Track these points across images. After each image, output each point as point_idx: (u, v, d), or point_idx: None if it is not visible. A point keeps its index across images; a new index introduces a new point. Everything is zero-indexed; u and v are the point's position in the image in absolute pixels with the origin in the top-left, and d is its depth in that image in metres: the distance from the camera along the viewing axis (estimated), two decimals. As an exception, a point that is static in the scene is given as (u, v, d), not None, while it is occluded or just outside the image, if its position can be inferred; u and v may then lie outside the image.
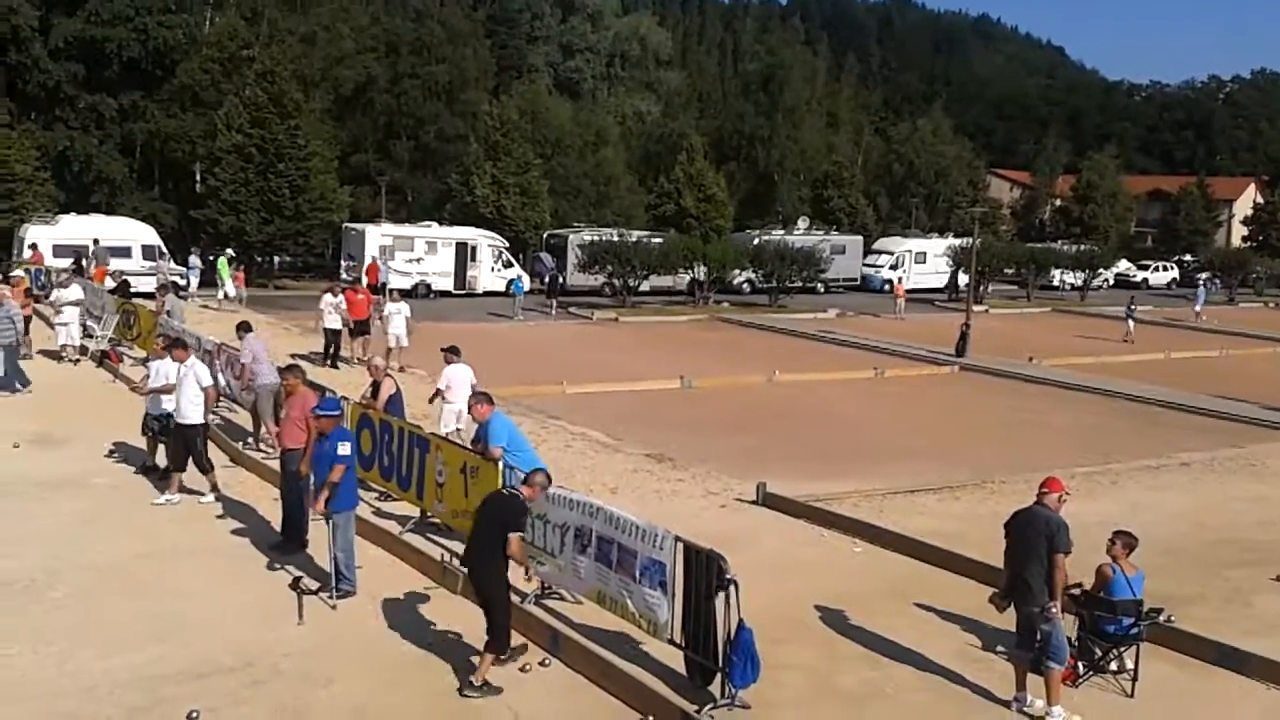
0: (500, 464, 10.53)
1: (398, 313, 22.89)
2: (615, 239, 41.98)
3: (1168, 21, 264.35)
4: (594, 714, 8.24)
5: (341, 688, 8.41)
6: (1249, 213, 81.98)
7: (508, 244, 44.55)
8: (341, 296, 23.16)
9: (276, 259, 45.85)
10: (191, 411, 12.78)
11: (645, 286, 42.45)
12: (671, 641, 8.48)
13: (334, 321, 22.86)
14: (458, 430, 14.34)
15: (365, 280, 39.76)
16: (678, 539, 8.40)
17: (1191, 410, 24.17)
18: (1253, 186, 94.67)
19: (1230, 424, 22.76)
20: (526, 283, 40.37)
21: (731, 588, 7.92)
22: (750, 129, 67.74)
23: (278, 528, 11.61)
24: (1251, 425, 22.51)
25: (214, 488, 12.98)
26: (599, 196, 54.49)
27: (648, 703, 8.16)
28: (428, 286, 40.41)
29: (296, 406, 11.47)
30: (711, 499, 14.45)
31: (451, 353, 15.44)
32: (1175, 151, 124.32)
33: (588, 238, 42.88)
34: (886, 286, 50.75)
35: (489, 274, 42.72)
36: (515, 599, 9.99)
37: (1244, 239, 79.01)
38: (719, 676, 8.19)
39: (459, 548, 11.02)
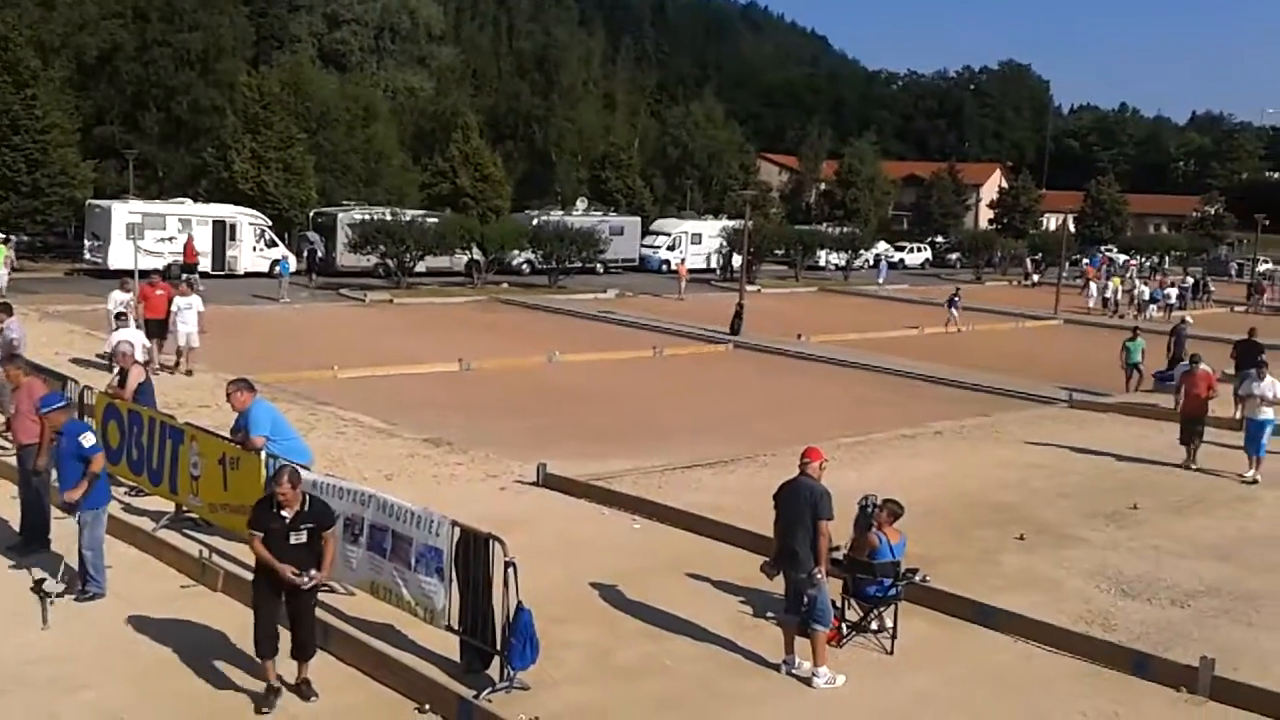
0: (263, 454, 10.04)
1: (188, 308, 20.41)
2: (388, 218, 40.82)
3: (923, 13, 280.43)
4: (369, 707, 7.97)
5: (92, 695, 7.85)
6: (994, 197, 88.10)
7: (271, 222, 42.63)
8: (133, 294, 20.61)
9: (12, 239, 42.14)
10: None
11: (421, 267, 41.56)
12: (449, 628, 8.33)
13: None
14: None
15: (183, 260, 37.28)
16: (454, 524, 8.25)
17: (943, 382, 25.73)
18: (998, 172, 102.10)
19: (977, 394, 24.35)
20: (293, 263, 38.82)
21: (510, 570, 7.83)
22: (526, 108, 67.31)
23: (16, 527, 10.69)
24: (995, 395, 24.16)
25: None
26: (370, 174, 52.79)
27: (424, 692, 7.98)
28: (182, 267, 38.08)
29: (24, 399, 10.64)
30: (491, 482, 14.29)
31: (120, 320, 17.85)
32: (929, 138, 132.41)
33: (358, 216, 41.47)
34: (665, 267, 51.86)
35: (251, 254, 40.76)
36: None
37: (990, 222, 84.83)
38: (497, 660, 8.10)
39: (219, 543, 10.53)
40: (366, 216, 41.12)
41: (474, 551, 8.14)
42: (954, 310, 36.89)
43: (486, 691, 7.94)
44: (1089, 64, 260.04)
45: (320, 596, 9.50)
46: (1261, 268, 65.41)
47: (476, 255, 42.77)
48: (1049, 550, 12.46)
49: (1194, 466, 16.82)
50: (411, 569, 8.43)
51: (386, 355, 24.92)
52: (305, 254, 40.58)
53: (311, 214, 45.18)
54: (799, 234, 56.34)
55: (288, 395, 18.28)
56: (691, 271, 48.21)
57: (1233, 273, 72.03)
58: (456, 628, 8.32)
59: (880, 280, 51.89)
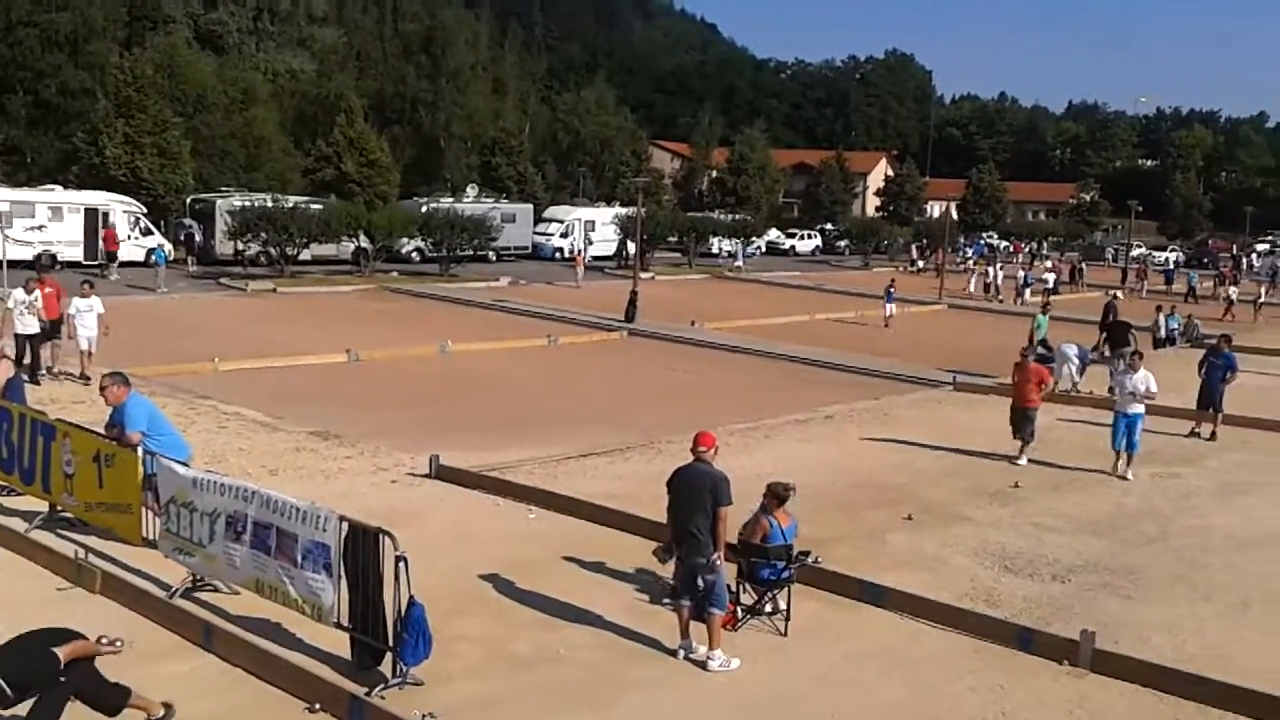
0: (140, 450, 9.68)
1: (89, 309, 19.00)
2: (269, 205, 39.72)
3: (810, 1, 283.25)
4: (256, 708, 7.74)
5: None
6: (881, 184, 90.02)
7: (145, 210, 41.14)
8: (37, 293, 18.82)
9: None
10: None
11: (306, 255, 40.53)
12: (338, 625, 8.13)
13: (28, 325, 18.48)
14: None
15: (103, 248, 36.01)
16: (343, 518, 8.05)
17: (835, 367, 26.17)
18: (884, 160, 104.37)
19: (868, 378, 24.83)
20: (169, 251, 37.59)
21: (401, 564, 7.68)
22: (413, 92, 66.22)
23: None
24: (884, 379, 24.67)
25: None
26: (249, 159, 51.38)
27: (314, 691, 7.77)
28: (53, 257, 36.43)
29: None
30: (382, 475, 14.01)
31: None
32: (817, 127, 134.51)
33: (238, 203, 40.27)
34: (558, 254, 51.67)
35: (125, 243, 39.26)
36: (161, 592, 9.30)
37: (877, 209, 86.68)
38: (389, 656, 7.95)
39: (96, 543, 10.14)
40: (247, 203, 39.97)
41: (363, 546, 7.95)
42: (890, 304, 35.42)
43: (379, 688, 7.78)
44: (969, 54, 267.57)
45: (203, 596, 9.26)
46: (1135, 252, 68.15)
47: (364, 243, 41.92)
48: (935, 529, 12.76)
49: (1019, 462, 15.99)
50: (298, 566, 8.20)
51: (270, 346, 24.26)
52: (183, 238, 39.35)
53: (189, 200, 43.79)
54: (692, 221, 56.68)
55: (165, 389, 17.70)
56: (569, 259, 48.05)
57: (1108, 258, 74.91)
58: (346, 624, 8.12)
59: (740, 264, 53.21)
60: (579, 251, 47.82)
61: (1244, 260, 67.98)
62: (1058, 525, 13.15)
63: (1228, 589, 11.17)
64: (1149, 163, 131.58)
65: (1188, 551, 12.42)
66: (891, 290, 36.06)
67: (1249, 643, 9.82)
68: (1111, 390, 16.57)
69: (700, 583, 8.69)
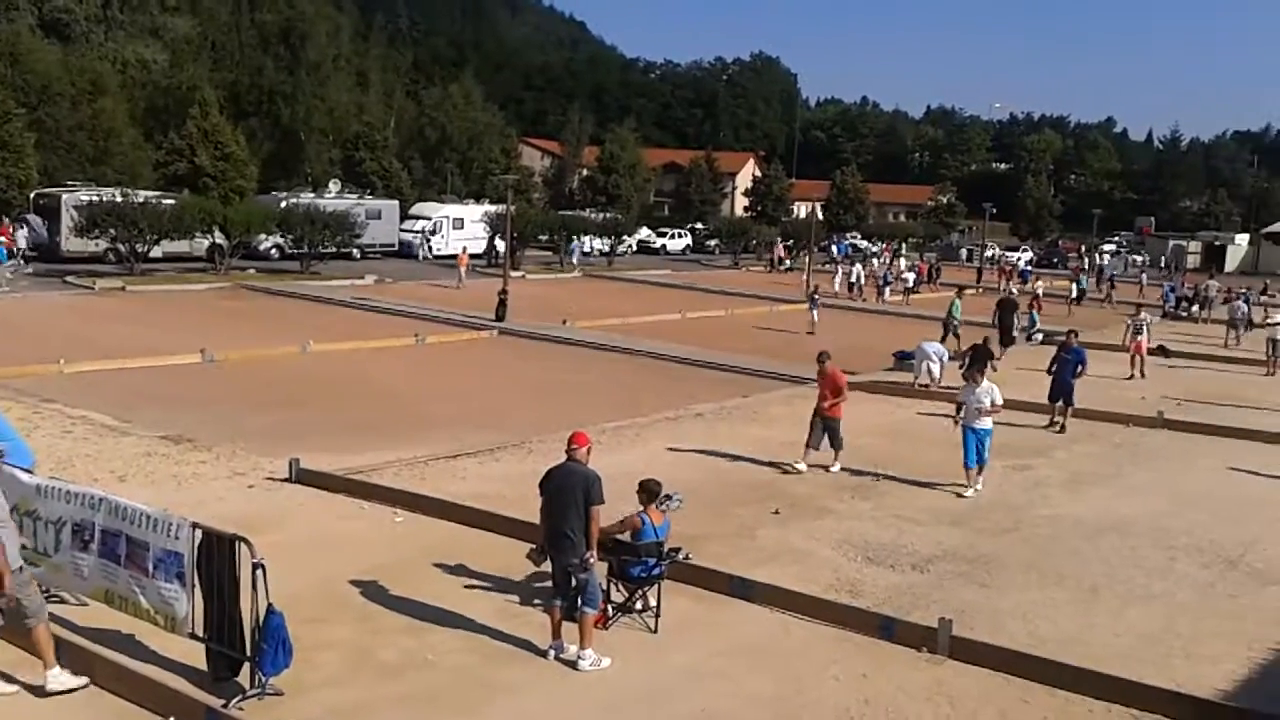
0: (-22, 456, 9.12)
1: None
2: (118, 199, 38.07)
3: (678, 1, 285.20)
4: (104, 726, 7.39)
5: None
6: (749, 185, 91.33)
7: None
8: None
9: None
10: None
11: (157, 252, 38.97)
12: (193, 635, 7.85)
13: None
14: None
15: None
16: (196, 525, 7.77)
17: (705, 365, 26.39)
18: (752, 161, 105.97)
19: (737, 376, 25.12)
20: (22, 242, 35.76)
21: (258, 571, 7.44)
22: (271, 84, 64.25)
23: None
24: (754, 376, 24.99)
25: None
26: (97, 152, 49.16)
27: (168, 703, 7.50)
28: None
29: None
30: (239, 480, 13.56)
31: None
32: (686, 127, 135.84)
33: (85, 198, 38.48)
34: (426, 253, 50.81)
35: None
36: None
37: (745, 209, 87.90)
38: (248, 666, 7.70)
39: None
40: (94, 198, 38.23)
41: (218, 554, 7.69)
42: (814, 310, 34.44)
43: (236, 700, 7.55)
44: (833, 58, 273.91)
45: (51, 608, 8.77)
46: (989, 253, 70.69)
47: (219, 239, 40.47)
48: (801, 523, 13.00)
49: (799, 466, 15.55)
50: (149, 575, 7.89)
51: (119, 347, 23.19)
52: (12, 230, 37.68)
53: (32, 195, 41.66)
54: (562, 219, 56.52)
55: (7, 392, 16.88)
56: (451, 258, 47.36)
57: (963, 257, 77.58)
58: (202, 635, 7.85)
59: (575, 261, 53.86)
60: (462, 250, 46.73)
61: (1089, 260, 71.24)
62: (917, 517, 13.54)
63: (1078, 576, 11.66)
64: (1003, 166, 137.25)
65: (1040, 540, 12.93)
66: (816, 296, 35.44)
67: (1098, 627, 10.27)
68: (959, 408, 15.55)
69: (573, 582, 8.67)
